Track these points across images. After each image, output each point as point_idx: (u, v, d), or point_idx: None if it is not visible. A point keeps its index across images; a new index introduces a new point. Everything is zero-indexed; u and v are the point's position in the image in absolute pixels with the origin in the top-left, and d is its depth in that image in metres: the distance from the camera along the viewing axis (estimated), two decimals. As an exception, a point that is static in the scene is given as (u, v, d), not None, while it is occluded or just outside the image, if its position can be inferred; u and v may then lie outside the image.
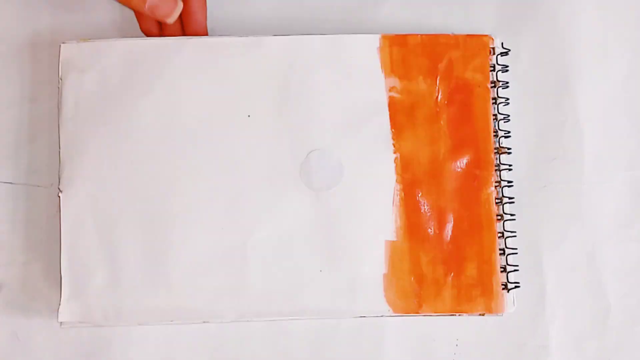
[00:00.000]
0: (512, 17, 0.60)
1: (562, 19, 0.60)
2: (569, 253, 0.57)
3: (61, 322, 0.53)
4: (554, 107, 0.59)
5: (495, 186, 0.56)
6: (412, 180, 0.55)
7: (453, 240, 0.55)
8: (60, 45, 0.56)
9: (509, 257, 0.55)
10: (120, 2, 0.55)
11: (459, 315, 0.55)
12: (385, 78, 0.56)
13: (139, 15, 0.57)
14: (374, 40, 0.56)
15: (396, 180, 0.55)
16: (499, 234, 0.55)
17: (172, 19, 0.54)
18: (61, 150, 0.54)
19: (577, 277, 0.57)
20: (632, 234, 0.58)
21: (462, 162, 0.56)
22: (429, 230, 0.55)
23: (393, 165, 0.55)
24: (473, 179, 0.55)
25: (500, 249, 0.55)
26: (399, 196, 0.55)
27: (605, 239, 0.58)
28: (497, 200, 0.55)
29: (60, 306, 0.53)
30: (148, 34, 0.58)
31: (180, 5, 0.54)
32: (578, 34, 0.60)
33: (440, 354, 0.56)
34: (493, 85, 0.57)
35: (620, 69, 0.60)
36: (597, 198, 0.58)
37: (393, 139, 0.55)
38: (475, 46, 0.57)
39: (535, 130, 0.59)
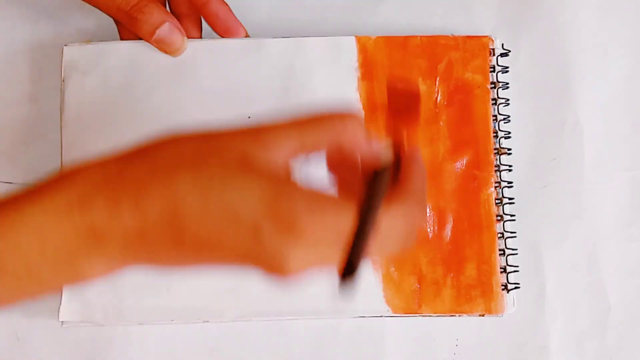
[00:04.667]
0: (512, 17, 0.60)
1: (562, 19, 0.60)
2: (569, 253, 0.57)
3: (62, 322, 0.53)
4: (554, 107, 0.59)
5: (495, 187, 0.56)
6: (411, 181, 0.55)
7: (453, 241, 0.55)
8: (62, 48, 0.56)
9: (509, 257, 0.55)
10: (125, 25, 0.55)
11: (459, 315, 0.55)
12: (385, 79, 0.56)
13: (120, 26, 0.57)
14: (374, 42, 0.56)
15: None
16: (499, 235, 0.55)
17: (177, 54, 0.55)
18: (63, 152, 0.55)
19: (578, 278, 0.57)
20: (632, 234, 0.57)
21: (462, 162, 0.56)
22: (429, 230, 0.55)
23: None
24: (473, 180, 0.55)
25: (500, 250, 0.55)
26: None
27: (606, 239, 0.57)
28: (497, 201, 0.55)
29: (61, 306, 0.53)
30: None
31: (186, 43, 0.55)
32: (578, 34, 0.59)
33: (440, 354, 0.56)
34: (493, 86, 0.57)
35: (620, 69, 0.59)
36: (597, 198, 0.58)
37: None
38: (475, 47, 0.57)
39: (535, 130, 0.58)
